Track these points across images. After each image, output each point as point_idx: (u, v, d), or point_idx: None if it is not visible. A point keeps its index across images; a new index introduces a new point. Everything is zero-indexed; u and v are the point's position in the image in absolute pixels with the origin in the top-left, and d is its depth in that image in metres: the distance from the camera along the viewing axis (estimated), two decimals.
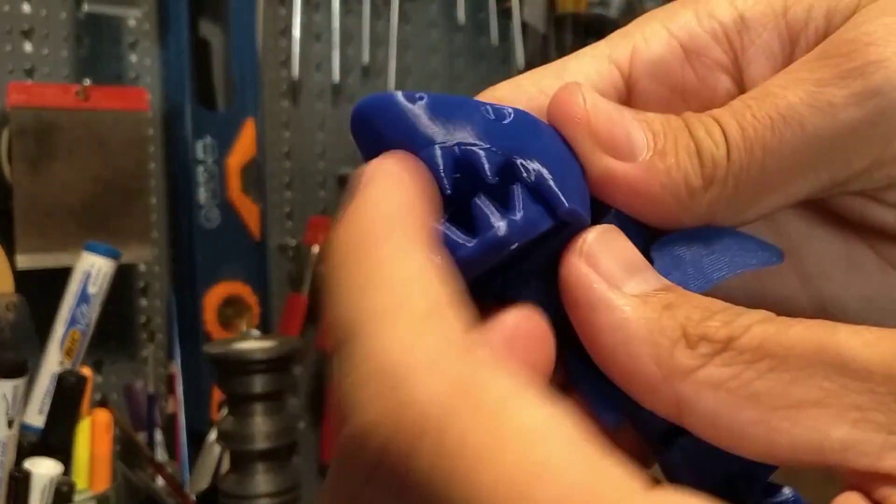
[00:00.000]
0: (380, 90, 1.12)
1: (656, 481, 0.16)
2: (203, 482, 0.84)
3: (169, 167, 0.93)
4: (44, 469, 0.59)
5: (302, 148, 1.06)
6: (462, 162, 0.18)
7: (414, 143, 0.18)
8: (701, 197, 0.20)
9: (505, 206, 0.18)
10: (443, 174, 0.18)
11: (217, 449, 0.85)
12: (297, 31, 1.03)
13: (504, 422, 0.14)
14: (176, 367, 0.90)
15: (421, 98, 0.18)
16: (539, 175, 0.19)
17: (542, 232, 0.19)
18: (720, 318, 0.17)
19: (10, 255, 0.72)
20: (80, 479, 0.65)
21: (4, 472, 0.57)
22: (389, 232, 0.16)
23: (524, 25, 1.23)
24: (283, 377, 0.74)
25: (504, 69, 1.29)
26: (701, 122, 0.20)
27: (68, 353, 0.66)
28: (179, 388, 0.89)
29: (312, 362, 1.08)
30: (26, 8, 0.82)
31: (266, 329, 0.96)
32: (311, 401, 1.08)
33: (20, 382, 0.58)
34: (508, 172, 0.18)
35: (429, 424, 0.14)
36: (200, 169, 0.91)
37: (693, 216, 0.20)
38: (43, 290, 0.68)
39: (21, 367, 0.58)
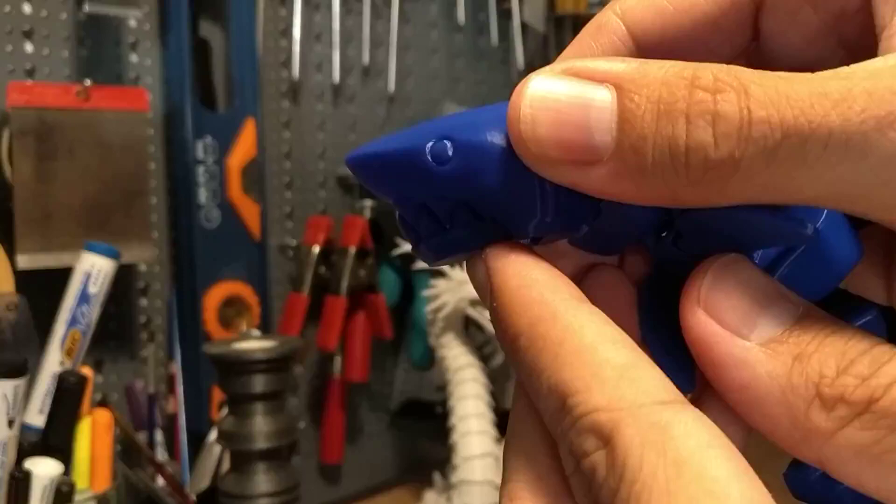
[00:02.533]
0: (380, 90, 1.13)
1: None
2: (203, 482, 0.84)
3: (169, 167, 0.94)
4: (44, 469, 0.59)
5: (302, 148, 1.06)
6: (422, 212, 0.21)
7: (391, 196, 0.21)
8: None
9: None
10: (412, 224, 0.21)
11: (217, 449, 0.85)
12: (297, 32, 1.03)
13: (698, 474, 0.15)
14: (176, 367, 0.90)
15: (367, 163, 0.21)
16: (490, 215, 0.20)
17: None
18: (858, 370, 0.16)
19: (11, 255, 0.72)
20: (81, 478, 0.65)
21: (5, 472, 0.58)
22: (556, 301, 0.18)
23: (524, 26, 1.23)
24: (284, 377, 0.74)
25: (504, 69, 1.29)
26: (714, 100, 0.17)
27: (69, 353, 0.66)
28: (180, 388, 0.89)
29: (313, 362, 1.08)
30: (27, 8, 0.82)
31: (266, 329, 0.96)
32: (312, 401, 1.08)
33: (21, 382, 0.58)
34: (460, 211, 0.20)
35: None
36: (201, 169, 0.91)
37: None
38: (43, 290, 0.68)
39: (21, 367, 0.58)
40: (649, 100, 0.17)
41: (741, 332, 0.17)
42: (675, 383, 0.18)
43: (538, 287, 0.18)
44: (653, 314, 0.21)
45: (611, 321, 0.18)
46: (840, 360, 0.16)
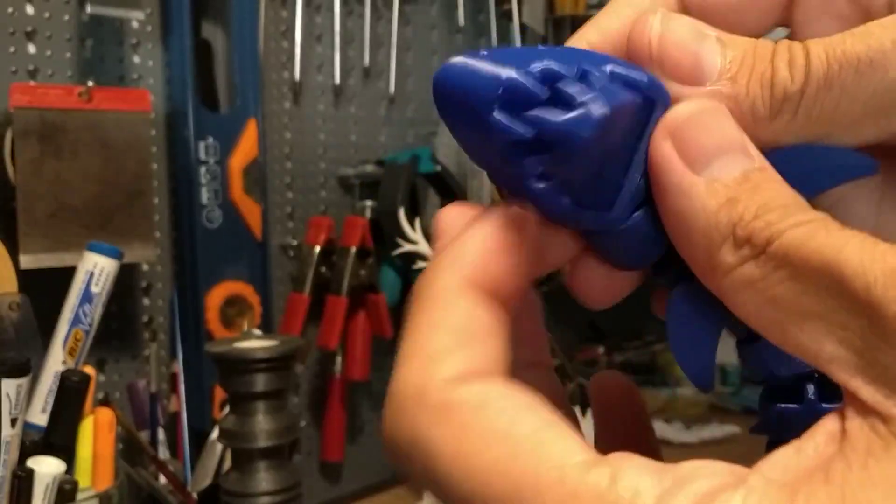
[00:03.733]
0: (380, 91, 1.13)
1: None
2: (205, 480, 0.85)
3: (171, 168, 0.94)
4: (46, 468, 0.60)
5: (303, 148, 1.06)
6: (543, 74, 0.19)
7: (491, 85, 0.19)
8: (766, 126, 0.20)
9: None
10: (530, 83, 0.19)
11: (219, 447, 0.85)
12: (298, 33, 1.03)
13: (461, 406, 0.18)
14: (178, 366, 0.90)
15: (485, 53, 0.20)
16: (612, 71, 0.20)
17: (630, 108, 0.20)
18: (770, 217, 0.18)
19: (14, 254, 0.73)
20: (83, 477, 0.65)
21: (7, 471, 0.58)
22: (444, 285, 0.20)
23: (523, 27, 1.23)
24: (285, 376, 0.74)
25: None
26: (789, 50, 0.20)
27: (71, 352, 0.66)
28: (181, 387, 0.89)
29: (314, 361, 1.08)
30: (30, 9, 0.83)
31: (268, 328, 0.96)
32: (313, 399, 1.09)
33: (23, 381, 0.58)
34: (584, 79, 0.20)
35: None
36: (203, 169, 0.92)
37: (758, 143, 0.20)
38: (46, 289, 0.69)
39: (24, 367, 0.58)
40: (745, 49, 0.21)
41: (694, 167, 0.20)
42: (696, 383, 0.22)
43: (437, 265, 0.21)
44: (681, 320, 0.22)
45: (479, 305, 0.20)
46: (760, 208, 0.18)
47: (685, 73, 0.21)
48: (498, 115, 0.19)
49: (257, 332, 0.90)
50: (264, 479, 0.72)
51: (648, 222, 0.21)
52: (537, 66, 0.19)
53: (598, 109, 0.19)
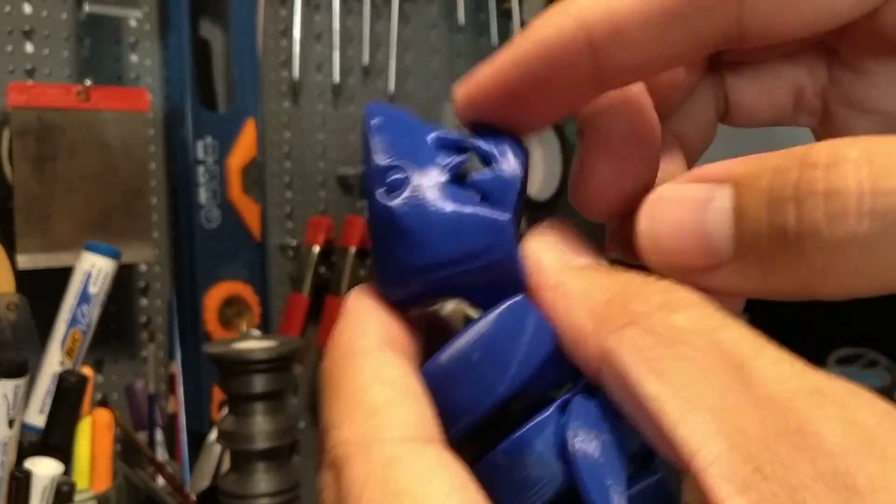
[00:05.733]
0: (380, 91, 1.13)
1: None
2: (203, 482, 0.84)
3: (170, 167, 0.94)
4: (44, 469, 0.59)
5: (302, 148, 1.06)
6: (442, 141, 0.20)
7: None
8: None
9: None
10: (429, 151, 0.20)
11: (217, 448, 0.85)
12: (297, 32, 1.03)
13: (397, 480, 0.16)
14: (176, 367, 0.90)
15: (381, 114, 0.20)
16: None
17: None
18: (667, 283, 0.17)
19: (11, 254, 0.72)
20: (81, 478, 0.65)
21: (5, 472, 0.58)
22: (356, 345, 0.19)
23: (524, 26, 1.23)
24: (284, 377, 0.74)
25: None
26: None
27: (69, 352, 0.66)
28: (180, 388, 0.89)
29: (313, 362, 1.08)
30: (27, 8, 0.83)
31: (266, 329, 0.96)
32: (312, 400, 1.08)
33: (21, 382, 0.58)
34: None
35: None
36: (201, 169, 0.91)
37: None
38: (44, 290, 0.68)
39: (22, 367, 0.58)
40: (761, 190, 0.16)
41: (563, 260, 0.19)
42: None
43: (350, 332, 0.19)
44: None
45: (404, 365, 0.18)
46: (640, 282, 0.17)
47: (696, 265, 0.18)
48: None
49: (256, 332, 0.90)
50: (263, 480, 0.72)
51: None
52: (438, 134, 0.20)
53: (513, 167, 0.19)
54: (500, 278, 0.19)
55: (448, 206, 0.18)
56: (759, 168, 0.16)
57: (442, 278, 0.19)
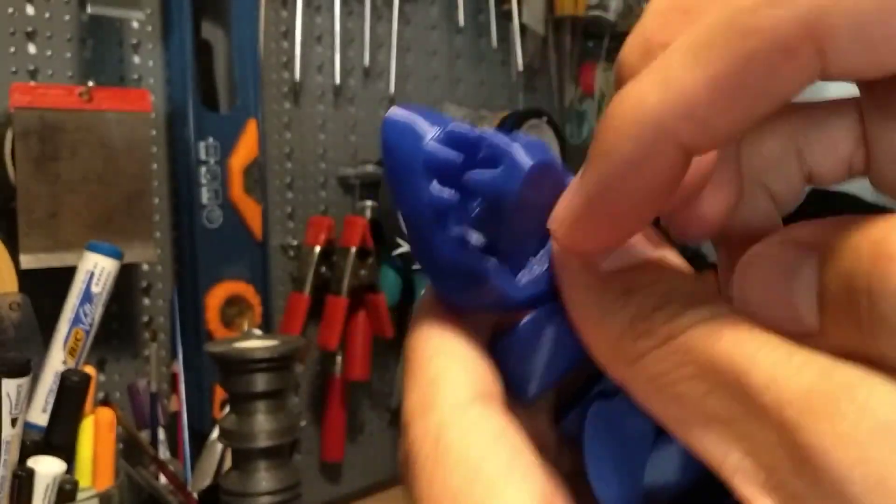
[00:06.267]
0: (380, 91, 1.13)
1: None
2: (205, 480, 0.85)
3: (172, 168, 0.94)
4: (47, 467, 0.60)
5: (303, 149, 1.07)
6: (454, 139, 0.20)
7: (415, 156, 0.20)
8: None
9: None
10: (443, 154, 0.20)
11: (219, 447, 0.85)
12: (298, 34, 1.03)
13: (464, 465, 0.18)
14: (178, 366, 0.90)
15: (408, 106, 0.20)
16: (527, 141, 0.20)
17: (549, 168, 0.19)
18: (668, 311, 0.17)
19: (14, 254, 0.73)
20: (84, 477, 0.65)
21: (8, 471, 0.58)
22: (433, 328, 0.21)
23: (523, 28, 1.24)
24: (285, 376, 0.74)
25: (504, 71, 1.29)
26: None
27: (72, 352, 0.66)
28: (182, 387, 0.89)
29: (314, 361, 1.08)
30: (30, 10, 0.83)
31: (268, 328, 0.97)
32: (313, 399, 1.09)
33: (24, 381, 0.58)
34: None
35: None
36: (203, 170, 0.92)
37: None
38: (47, 289, 0.69)
39: (25, 367, 0.58)
40: (840, 273, 0.15)
41: (595, 258, 0.19)
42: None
43: (423, 319, 0.21)
44: (600, 442, 0.22)
45: (464, 336, 0.20)
46: (660, 299, 0.17)
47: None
48: (425, 184, 0.20)
49: (257, 331, 0.90)
50: (264, 478, 0.72)
51: (554, 320, 0.20)
52: (447, 130, 0.20)
53: (524, 161, 0.19)
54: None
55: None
56: (839, 244, 0.15)
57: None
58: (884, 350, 0.14)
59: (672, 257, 0.19)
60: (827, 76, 0.15)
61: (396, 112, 0.20)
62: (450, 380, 0.19)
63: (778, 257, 0.17)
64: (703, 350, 0.16)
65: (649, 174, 0.17)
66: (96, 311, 0.68)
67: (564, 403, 0.22)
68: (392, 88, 1.14)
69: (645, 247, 0.19)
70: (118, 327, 0.90)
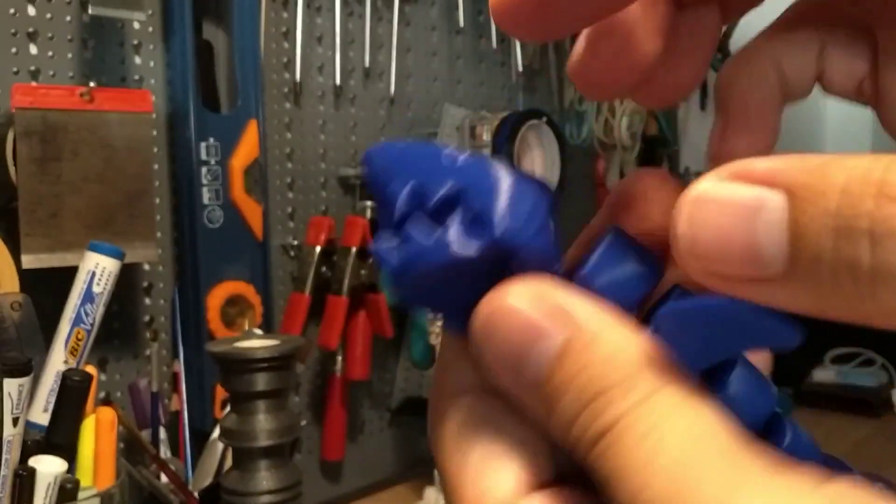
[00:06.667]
0: (381, 92, 1.13)
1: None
2: (206, 479, 0.85)
3: (173, 168, 0.94)
4: (48, 467, 0.60)
5: (304, 149, 1.07)
6: (415, 193, 0.20)
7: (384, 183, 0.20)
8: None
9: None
10: (396, 206, 0.20)
11: (220, 446, 0.86)
12: (299, 35, 1.03)
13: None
14: (179, 366, 0.91)
15: (390, 147, 0.21)
16: (480, 203, 0.19)
17: (472, 256, 0.19)
18: (595, 407, 0.17)
19: (16, 254, 0.73)
20: (85, 476, 0.65)
21: (9, 470, 0.58)
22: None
23: None
24: (286, 375, 0.74)
25: (504, 72, 1.30)
26: None
27: (73, 351, 0.66)
28: (183, 386, 0.90)
29: (314, 361, 1.09)
30: (31, 11, 0.83)
31: (268, 328, 0.97)
32: (313, 399, 1.09)
33: (25, 381, 0.58)
34: (454, 202, 0.19)
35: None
36: (204, 170, 0.92)
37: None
38: (48, 289, 0.69)
39: (26, 366, 0.59)
40: (826, 213, 0.14)
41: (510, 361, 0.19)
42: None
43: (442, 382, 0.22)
44: None
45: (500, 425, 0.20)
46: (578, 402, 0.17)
47: (740, 275, 0.16)
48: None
49: (258, 331, 0.90)
50: (265, 478, 0.72)
51: None
52: (411, 184, 0.20)
53: (452, 246, 0.19)
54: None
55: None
56: (822, 182, 0.14)
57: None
58: (881, 301, 0.14)
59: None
60: None
61: (373, 153, 0.21)
62: (495, 481, 0.19)
63: (734, 193, 0.15)
64: (638, 429, 0.17)
65: None
66: (97, 311, 0.68)
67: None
68: (392, 89, 1.14)
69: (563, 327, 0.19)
70: (119, 327, 0.91)
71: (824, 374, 1.44)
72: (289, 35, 1.04)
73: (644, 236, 0.20)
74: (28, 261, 0.77)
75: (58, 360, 0.66)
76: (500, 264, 0.19)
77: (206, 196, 0.92)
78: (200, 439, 0.89)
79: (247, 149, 0.95)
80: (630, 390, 0.17)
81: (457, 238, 0.19)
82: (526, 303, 0.18)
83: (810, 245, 0.14)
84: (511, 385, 0.19)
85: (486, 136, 1.11)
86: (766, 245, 0.15)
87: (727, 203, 0.15)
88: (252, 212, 0.96)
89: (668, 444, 0.16)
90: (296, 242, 1.06)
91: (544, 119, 1.15)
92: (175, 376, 0.92)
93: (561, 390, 0.17)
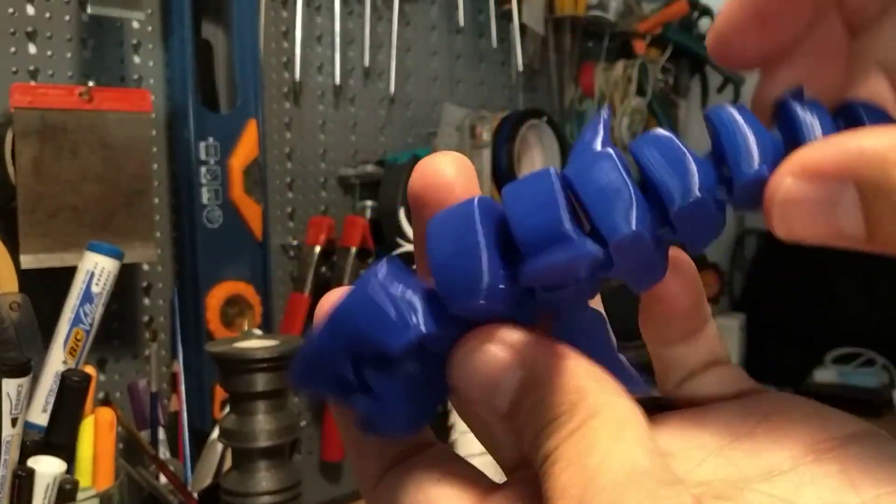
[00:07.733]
0: (380, 92, 1.13)
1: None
2: (205, 480, 0.85)
3: (172, 168, 0.94)
4: (47, 467, 0.60)
5: (303, 149, 1.07)
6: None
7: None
8: None
9: None
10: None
11: (219, 447, 0.85)
12: (298, 34, 1.03)
13: None
14: (179, 366, 0.90)
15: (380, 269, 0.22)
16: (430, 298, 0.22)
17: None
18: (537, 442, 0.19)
19: (15, 254, 0.73)
20: (84, 477, 0.65)
21: (8, 471, 0.58)
22: None
23: (523, 28, 1.24)
24: (285, 375, 0.74)
25: (504, 71, 1.29)
26: None
27: (72, 352, 0.66)
28: (182, 387, 0.89)
29: None
30: (30, 10, 0.83)
31: (268, 328, 0.97)
32: (313, 399, 1.09)
33: (24, 381, 0.58)
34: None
35: None
36: (203, 170, 0.92)
37: None
38: (47, 289, 0.69)
39: (25, 366, 0.59)
40: (893, 210, 0.17)
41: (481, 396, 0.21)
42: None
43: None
44: None
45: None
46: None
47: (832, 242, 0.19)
48: None
49: (258, 331, 0.90)
50: (264, 478, 0.72)
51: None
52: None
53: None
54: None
55: None
56: (887, 181, 0.17)
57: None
58: None
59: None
60: None
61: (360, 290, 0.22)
62: None
63: (811, 194, 0.18)
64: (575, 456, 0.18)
65: None
66: (96, 311, 0.68)
67: None
68: (392, 89, 1.14)
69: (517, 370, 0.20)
70: (118, 327, 0.90)
71: (825, 375, 1.44)
72: (288, 34, 1.04)
73: None
74: (27, 261, 0.77)
75: (57, 361, 0.66)
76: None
77: (205, 196, 0.92)
78: (200, 440, 0.89)
79: (246, 149, 0.95)
80: (571, 419, 0.18)
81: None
82: (491, 346, 0.20)
83: (884, 228, 0.17)
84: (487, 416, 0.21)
85: (486, 136, 1.11)
86: (846, 228, 0.18)
87: (810, 203, 0.18)
88: (251, 212, 0.95)
89: (589, 469, 0.17)
90: (295, 242, 1.05)
91: (544, 119, 1.15)
92: (174, 377, 0.92)
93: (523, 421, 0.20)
